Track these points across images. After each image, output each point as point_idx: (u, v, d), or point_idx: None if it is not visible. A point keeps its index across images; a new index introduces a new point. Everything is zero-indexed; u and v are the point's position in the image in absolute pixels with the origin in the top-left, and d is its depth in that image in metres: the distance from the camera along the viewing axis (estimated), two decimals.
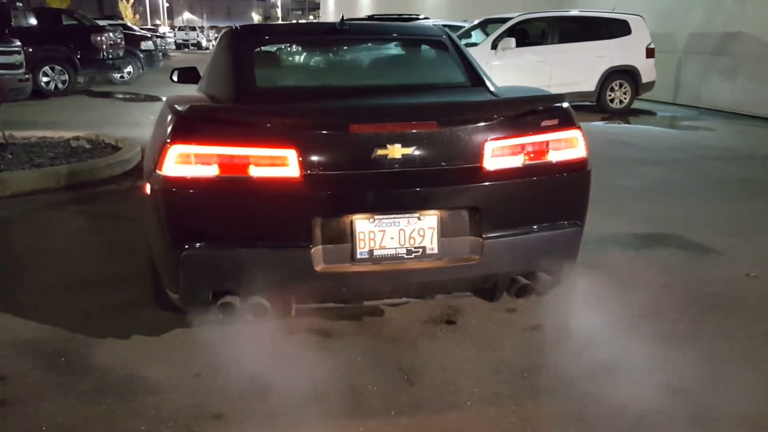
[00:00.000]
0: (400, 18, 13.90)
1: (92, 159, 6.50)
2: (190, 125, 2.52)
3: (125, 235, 4.48)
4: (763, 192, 5.96)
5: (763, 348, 2.97)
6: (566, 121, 2.73)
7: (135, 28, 24.72)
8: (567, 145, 2.73)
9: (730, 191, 5.98)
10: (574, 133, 2.74)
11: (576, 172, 2.76)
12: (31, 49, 12.85)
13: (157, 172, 2.50)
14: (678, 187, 6.09)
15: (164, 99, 3.11)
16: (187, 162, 2.45)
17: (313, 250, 2.51)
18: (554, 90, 3.17)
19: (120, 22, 25.80)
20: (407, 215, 2.55)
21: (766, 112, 10.81)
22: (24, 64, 12.08)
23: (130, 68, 16.77)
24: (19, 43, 11.94)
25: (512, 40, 10.89)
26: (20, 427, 2.37)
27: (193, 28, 68.55)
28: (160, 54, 22.48)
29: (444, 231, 2.60)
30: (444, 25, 6.39)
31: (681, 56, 12.90)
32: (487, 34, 11.63)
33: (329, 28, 3.67)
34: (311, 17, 77.06)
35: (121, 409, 2.45)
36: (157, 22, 70.51)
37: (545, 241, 2.75)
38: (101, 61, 14.55)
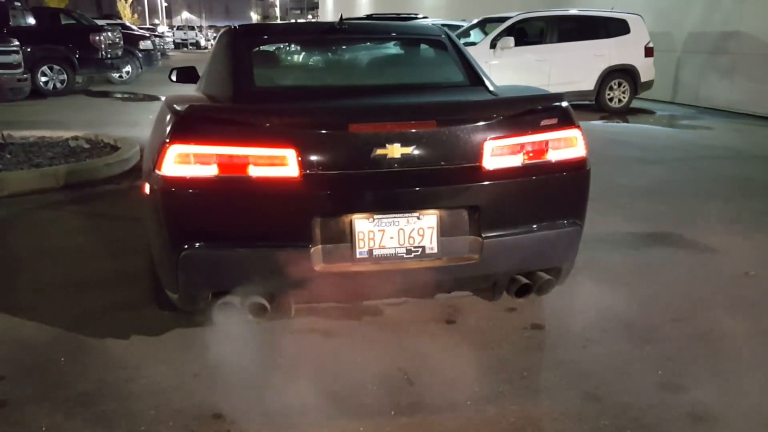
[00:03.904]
0: (398, 17, 13.87)
1: (91, 159, 6.49)
2: (189, 125, 2.52)
3: (124, 235, 4.48)
4: (761, 191, 5.96)
5: (762, 347, 2.97)
6: (565, 121, 2.73)
7: (133, 27, 24.70)
8: (566, 145, 2.73)
9: (729, 190, 5.98)
10: (573, 133, 2.74)
11: (575, 171, 2.76)
12: (29, 49, 12.85)
13: (156, 171, 2.50)
14: (677, 186, 6.10)
15: (163, 99, 3.10)
16: (186, 162, 2.45)
17: (312, 249, 2.51)
18: (553, 89, 3.17)
19: (118, 21, 25.78)
20: (407, 215, 2.55)
21: (764, 111, 10.82)
22: (22, 63, 12.09)
23: (128, 68, 16.75)
24: (17, 43, 11.95)
25: (511, 40, 10.88)
26: (20, 427, 2.36)
27: (192, 28, 68.43)
28: (159, 53, 22.49)
29: (443, 230, 2.60)
30: (443, 25, 6.38)
31: (680, 55, 12.90)
32: (486, 34, 11.63)
33: (328, 27, 3.67)
34: (310, 17, 77.00)
35: (120, 410, 2.45)
36: (156, 21, 70.54)
37: (545, 241, 2.75)
38: (100, 61, 14.53)
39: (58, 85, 13.86)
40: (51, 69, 13.75)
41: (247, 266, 2.52)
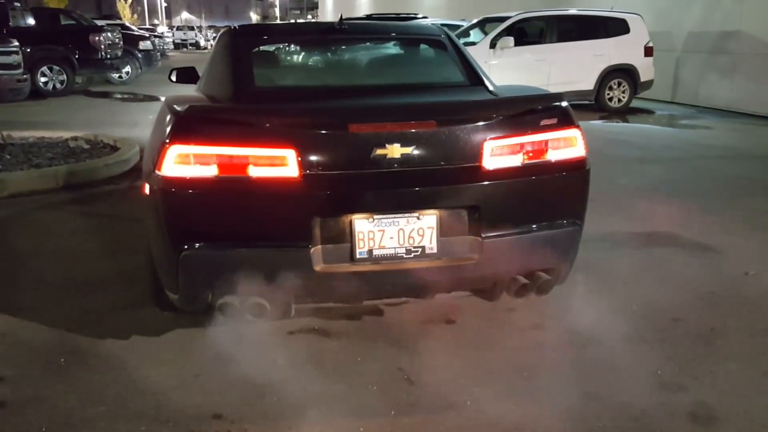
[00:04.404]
0: (398, 17, 13.88)
1: (91, 159, 6.49)
2: (189, 125, 2.52)
3: (124, 235, 4.48)
4: (761, 190, 5.96)
5: (762, 346, 2.97)
6: (565, 120, 2.73)
7: (133, 27, 24.70)
8: (566, 144, 2.73)
9: (729, 189, 5.98)
10: (573, 132, 2.74)
11: (575, 171, 2.76)
12: (29, 50, 12.85)
13: (156, 172, 2.50)
14: (676, 186, 6.10)
15: (163, 99, 3.10)
16: (186, 162, 2.45)
17: (312, 250, 2.51)
18: (553, 89, 3.17)
19: (118, 21, 25.81)
20: (406, 215, 2.55)
21: (764, 111, 10.82)
22: (22, 64, 12.09)
23: (128, 68, 16.75)
24: (17, 43, 11.95)
25: (511, 39, 10.89)
26: (20, 428, 2.36)
27: (192, 28, 68.50)
28: (159, 54, 22.48)
29: (443, 230, 2.60)
30: (442, 24, 6.38)
31: (679, 55, 12.90)
32: (486, 33, 11.63)
33: (328, 27, 3.67)
34: (309, 17, 77.01)
35: (120, 410, 2.45)
36: (156, 21, 70.54)
37: (544, 241, 2.75)
38: (99, 61, 14.54)
39: (58, 85, 13.86)
40: (51, 69, 13.75)
41: (247, 266, 2.51)
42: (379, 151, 2.50)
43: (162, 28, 54.76)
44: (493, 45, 10.93)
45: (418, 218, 2.56)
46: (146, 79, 17.25)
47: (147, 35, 20.92)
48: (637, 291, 3.54)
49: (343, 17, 3.84)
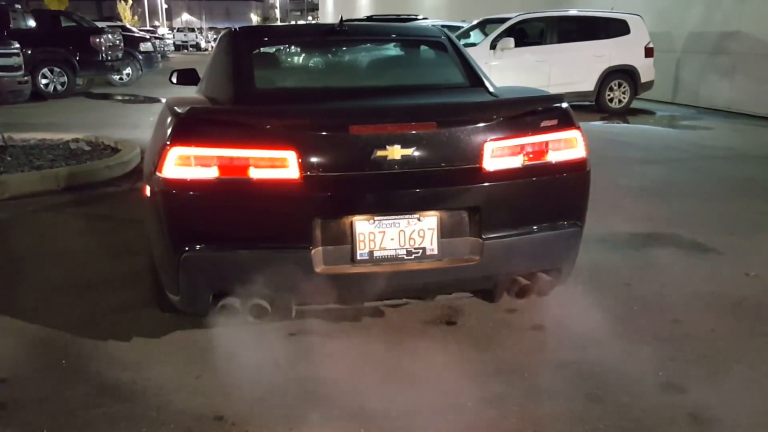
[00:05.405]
0: (398, 18, 13.90)
1: (92, 161, 6.49)
2: (190, 127, 2.52)
3: (125, 236, 4.48)
4: (762, 191, 5.96)
5: (763, 348, 2.97)
6: (565, 122, 2.73)
7: (134, 29, 24.72)
8: (566, 146, 2.73)
9: (730, 190, 5.98)
10: (573, 134, 2.74)
11: (575, 172, 2.76)
12: (29, 51, 12.86)
13: (157, 174, 2.50)
14: (677, 187, 6.10)
15: (164, 101, 3.11)
16: (186, 164, 2.45)
17: (313, 251, 2.51)
18: (553, 90, 3.18)
19: (119, 23, 25.82)
20: (407, 216, 2.56)
21: (764, 111, 10.82)
22: (23, 66, 12.09)
23: (129, 70, 16.76)
24: (18, 45, 11.95)
25: (511, 40, 10.89)
26: (22, 429, 2.36)
27: (192, 30, 68.50)
28: (159, 55, 22.50)
29: (444, 232, 2.60)
30: (442, 26, 6.39)
31: (680, 56, 12.91)
32: (486, 35, 11.64)
33: (328, 29, 3.67)
34: (310, 18, 77.08)
35: (121, 412, 2.45)
36: (156, 23, 70.61)
37: (545, 242, 2.75)
38: (100, 63, 14.53)
39: (59, 87, 13.86)
40: (51, 71, 13.75)
41: (248, 268, 2.52)
42: (380, 153, 2.50)
43: (162, 30, 54.77)
44: (493, 46, 10.93)
45: (419, 219, 2.57)
46: (147, 80, 17.27)
47: (147, 37, 20.93)
48: (638, 292, 3.54)
49: (344, 18, 3.84)
